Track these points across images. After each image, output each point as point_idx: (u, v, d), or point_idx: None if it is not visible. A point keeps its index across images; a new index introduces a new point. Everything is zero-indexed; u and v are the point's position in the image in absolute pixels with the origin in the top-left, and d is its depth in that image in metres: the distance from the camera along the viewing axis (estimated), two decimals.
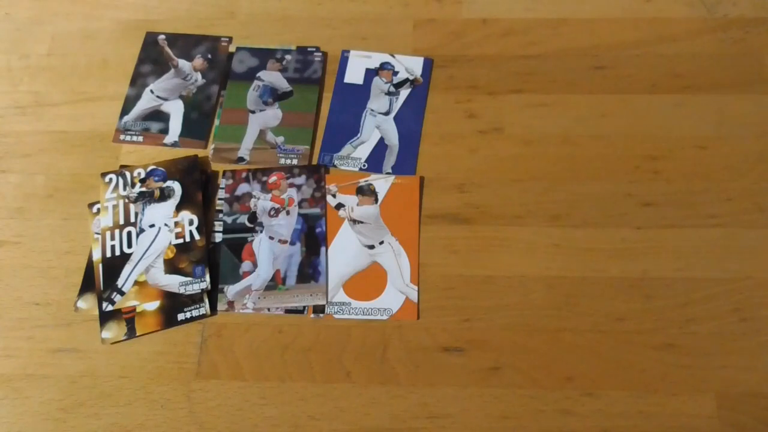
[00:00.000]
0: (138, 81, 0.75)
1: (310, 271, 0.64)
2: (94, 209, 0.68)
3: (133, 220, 0.66)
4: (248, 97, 0.73)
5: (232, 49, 0.76)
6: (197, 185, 0.68)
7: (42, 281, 0.65)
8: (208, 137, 0.71)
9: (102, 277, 0.64)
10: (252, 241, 0.66)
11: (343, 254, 0.64)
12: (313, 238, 0.65)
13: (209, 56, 0.75)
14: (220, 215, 0.67)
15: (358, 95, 0.72)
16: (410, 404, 0.58)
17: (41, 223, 0.68)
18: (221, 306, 0.63)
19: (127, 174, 0.69)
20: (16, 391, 0.61)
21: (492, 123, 0.70)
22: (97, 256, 0.65)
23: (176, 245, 0.65)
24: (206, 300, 0.63)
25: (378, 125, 0.71)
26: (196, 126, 0.72)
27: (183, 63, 0.75)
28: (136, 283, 0.64)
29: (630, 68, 0.72)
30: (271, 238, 0.66)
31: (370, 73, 0.73)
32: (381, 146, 0.70)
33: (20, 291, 0.65)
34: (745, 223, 0.63)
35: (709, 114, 0.69)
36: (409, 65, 0.73)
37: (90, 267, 0.65)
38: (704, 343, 0.58)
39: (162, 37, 0.77)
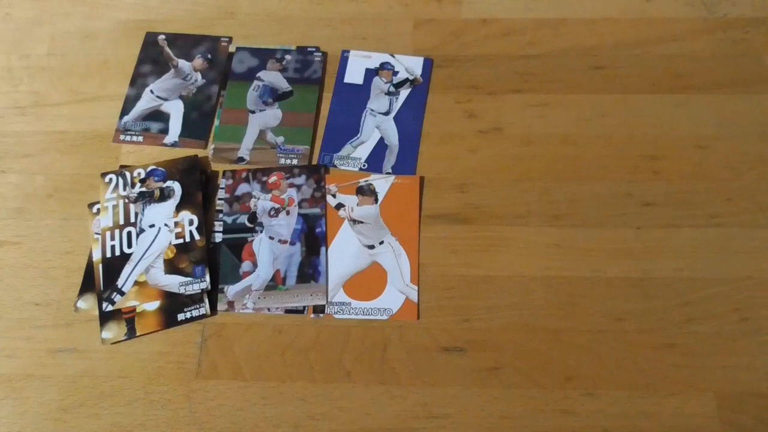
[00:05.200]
0: (138, 81, 0.75)
1: (310, 271, 0.64)
2: (94, 209, 0.68)
3: (133, 220, 0.66)
4: (248, 97, 0.73)
5: (232, 49, 0.76)
6: (197, 185, 0.68)
7: (42, 281, 0.65)
8: (208, 137, 0.71)
9: (102, 277, 0.64)
10: (252, 241, 0.66)
11: (343, 254, 0.64)
12: (313, 238, 0.65)
13: (209, 56, 0.75)
14: (220, 215, 0.67)
15: (358, 95, 0.72)
16: (410, 404, 0.58)
17: (41, 223, 0.68)
18: (221, 306, 0.63)
19: (127, 174, 0.69)
20: (16, 391, 0.61)
21: (492, 123, 0.70)
22: (97, 256, 0.65)
23: (176, 245, 0.65)
24: (206, 300, 0.63)
25: (378, 125, 0.71)
26: (196, 126, 0.72)
27: (183, 63, 0.75)
28: (136, 283, 0.64)
29: (630, 68, 0.72)
30: (271, 238, 0.66)
31: (370, 73, 0.73)
32: (381, 146, 0.70)
33: (20, 291, 0.65)
34: (745, 223, 0.63)
35: (709, 114, 0.69)
36: (409, 65, 0.73)
37: (90, 267, 0.65)
38: (704, 343, 0.58)
39: (162, 37, 0.77)
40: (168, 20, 0.79)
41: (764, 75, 0.70)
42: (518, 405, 0.57)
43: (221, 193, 0.68)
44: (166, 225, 0.66)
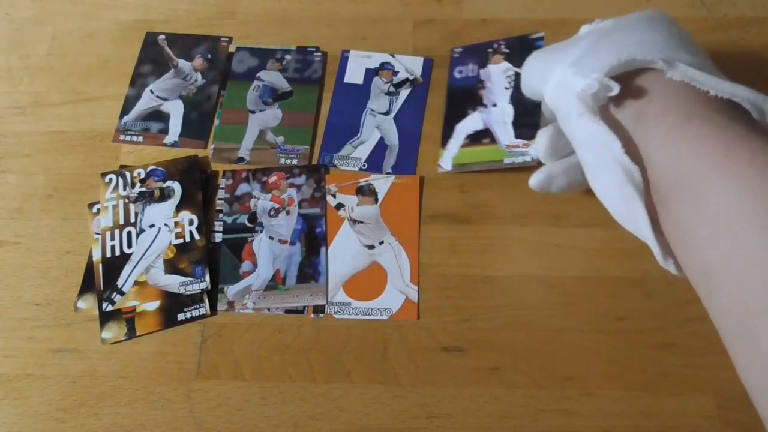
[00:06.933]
0: (138, 81, 0.75)
1: (310, 271, 0.64)
2: (94, 209, 0.68)
3: (133, 220, 0.66)
4: (248, 97, 0.73)
5: (232, 49, 0.76)
6: (197, 185, 0.68)
7: (42, 281, 0.65)
8: (208, 137, 0.72)
9: (102, 277, 0.64)
10: (252, 241, 0.66)
11: (343, 254, 0.64)
12: (313, 238, 0.65)
13: (209, 56, 0.75)
14: (220, 215, 0.67)
15: (358, 95, 0.72)
16: (410, 404, 0.58)
17: (41, 223, 0.68)
18: (221, 306, 0.63)
19: (127, 174, 0.69)
20: (16, 391, 0.61)
21: None
22: (97, 256, 0.65)
23: (176, 245, 0.65)
24: (206, 300, 0.63)
25: (378, 125, 0.71)
26: (196, 126, 0.72)
27: (183, 63, 0.75)
28: (136, 283, 0.64)
29: None
30: (271, 238, 0.66)
31: (370, 73, 0.73)
32: (381, 146, 0.70)
33: (20, 291, 0.65)
34: None
35: None
36: (409, 65, 0.73)
37: (90, 267, 0.65)
38: (704, 343, 0.58)
39: (162, 37, 0.77)
40: (168, 20, 0.79)
41: (765, 75, 0.70)
42: (518, 405, 0.57)
43: (221, 193, 0.68)
44: (166, 225, 0.66)
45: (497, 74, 0.69)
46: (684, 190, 0.40)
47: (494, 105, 0.68)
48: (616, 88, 0.45)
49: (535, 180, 0.59)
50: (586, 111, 0.46)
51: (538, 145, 0.59)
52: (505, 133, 0.65)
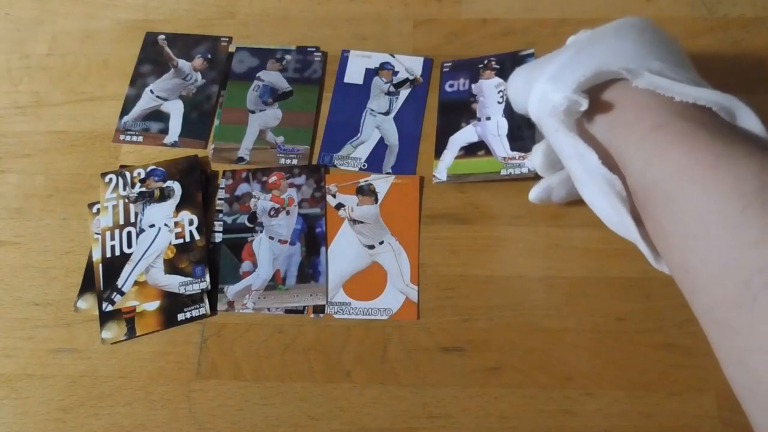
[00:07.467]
0: (138, 81, 0.75)
1: (310, 271, 0.64)
2: (94, 209, 0.68)
3: (133, 220, 0.66)
4: (248, 97, 0.73)
5: (232, 49, 0.76)
6: (197, 185, 0.68)
7: (42, 281, 0.65)
8: (208, 137, 0.72)
9: (102, 277, 0.64)
10: (252, 241, 0.66)
11: (343, 254, 0.64)
12: (313, 238, 0.65)
13: (209, 56, 0.75)
14: (220, 215, 0.67)
15: (358, 95, 0.72)
16: (410, 404, 0.58)
17: (41, 223, 0.68)
18: (221, 306, 0.63)
19: (127, 174, 0.69)
20: (16, 391, 0.61)
21: None
22: (97, 256, 0.65)
23: (176, 245, 0.65)
24: (206, 300, 0.63)
25: (378, 125, 0.71)
26: (196, 126, 0.72)
27: (183, 63, 0.75)
28: (136, 283, 0.64)
29: None
30: (271, 238, 0.66)
31: (370, 73, 0.73)
32: (381, 146, 0.70)
33: (20, 291, 0.65)
34: None
35: None
36: (409, 65, 0.73)
37: (90, 267, 0.65)
38: (704, 343, 0.58)
39: (162, 37, 0.77)
40: (168, 20, 0.79)
41: (765, 75, 0.70)
42: (518, 405, 0.57)
43: (221, 193, 0.68)
44: (166, 225, 0.66)
45: (489, 89, 0.69)
46: (657, 195, 0.41)
47: (488, 118, 0.68)
48: (584, 103, 0.46)
49: (534, 194, 0.61)
50: (561, 126, 0.47)
51: (534, 160, 0.60)
52: (501, 146, 0.65)
